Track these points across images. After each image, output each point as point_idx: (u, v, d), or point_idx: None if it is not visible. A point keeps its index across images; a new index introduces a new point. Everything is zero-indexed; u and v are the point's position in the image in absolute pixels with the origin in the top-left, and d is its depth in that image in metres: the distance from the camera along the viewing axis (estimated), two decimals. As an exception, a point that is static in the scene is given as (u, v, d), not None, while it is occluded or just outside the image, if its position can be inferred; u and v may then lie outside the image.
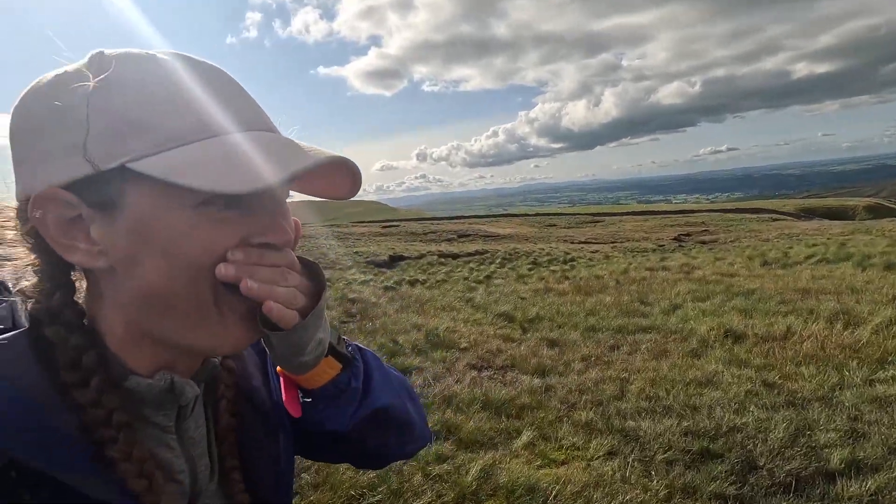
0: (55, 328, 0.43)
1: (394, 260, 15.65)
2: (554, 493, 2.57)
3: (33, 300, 0.45)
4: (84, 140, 0.40)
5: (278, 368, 0.62)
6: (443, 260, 15.45)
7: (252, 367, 0.62)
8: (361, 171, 0.47)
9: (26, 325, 0.45)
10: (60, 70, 0.43)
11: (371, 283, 10.46)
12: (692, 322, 5.50)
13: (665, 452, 2.89)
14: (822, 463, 2.67)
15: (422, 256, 16.33)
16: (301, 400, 0.61)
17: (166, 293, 0.42)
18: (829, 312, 5.23)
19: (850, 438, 2.88)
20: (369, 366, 0.66)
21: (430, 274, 12.13)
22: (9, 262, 0.46)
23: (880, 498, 2.39)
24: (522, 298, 7.85)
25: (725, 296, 6.71)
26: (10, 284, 0.48)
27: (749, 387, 3.67)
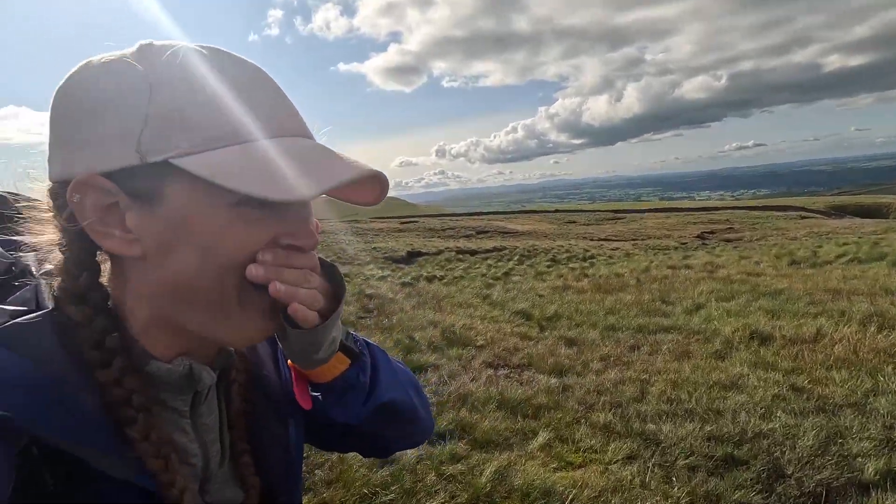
0: (81, 308, 0.44)
1: (412, 256, 15.67)
2: (570, 497, 2.50)
3: (59, 281, 0.46)
4: (140, 131, 0.41)
5: (289, 362, 0.63)
6: (461, 256, 15.41)
7: (263, 356, 0.64)
8: (381, 168, 0.47)
9: (50, 307, 0.46)
10: (110, 56, 0.43)
11: (388, 279, 10.49)
12: (716, 322, 5.34)
13: (687, 458, 2.79)
14: (855, 473, 2.54)
15: (440, 253, 16.31)
16: (311, 393, 0.63)
17: (194, 286, 0.44)
18: (862, 314, 5.01)
19: (885, 448, 2.74)
20: (376, 360, 0.67)
21: (447, 270, 12.10)
22: (31, 247, 0.48)
23: (918, 512, 2.26)
24: (540, 296, 7.75)
25: (751, 296, 6.51)
26: (33, 269, 0.50)
27: (776, 391, 3.53)
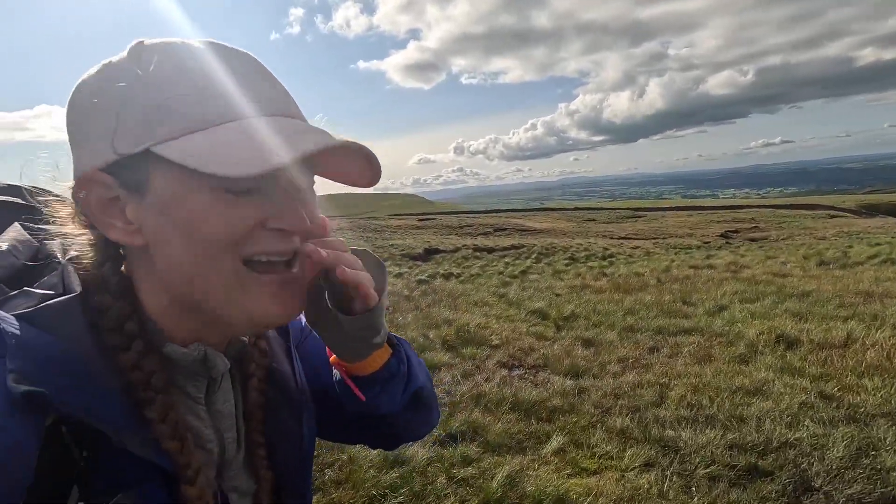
0: (102, 295, 0.47)
1: (429, 253, 15.66)
2: (584, 505, 2.43)
3: (84, 269, 0.49)
4: (115, 128, 0.44)
5: (332, 358, 0.65)
6: (478, 254, 15.33)
7: (277, 350, 0.65)
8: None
9: (77, 290, 0.47)
10: (106, 61, 0.47)
11: (405, 276, 10.48)
12: (740, 325, 5.16)
13: (707, 467, 2.68)
14: (889, 488, 2.40)
15: (457, 250, 16.25)
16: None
17: (192, 271, 0.45)
18: (897, 318, 4.80)
19: (922, 461, 2.59)
20: (406, 348, 0.69)
21: (464, 268, 12.04)
22: (55, 235, 0.51)
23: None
24: (557, 295, 7.64)
25: (777, 297, 6.30)
26: (59, 255, 0.52)
27: (803, 398, 3.38)
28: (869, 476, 2.49)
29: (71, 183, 0.48)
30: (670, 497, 2.48)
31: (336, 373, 0.65)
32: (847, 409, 3.21)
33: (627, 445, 2.99)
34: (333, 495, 2.58)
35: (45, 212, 0.51)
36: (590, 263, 11.89)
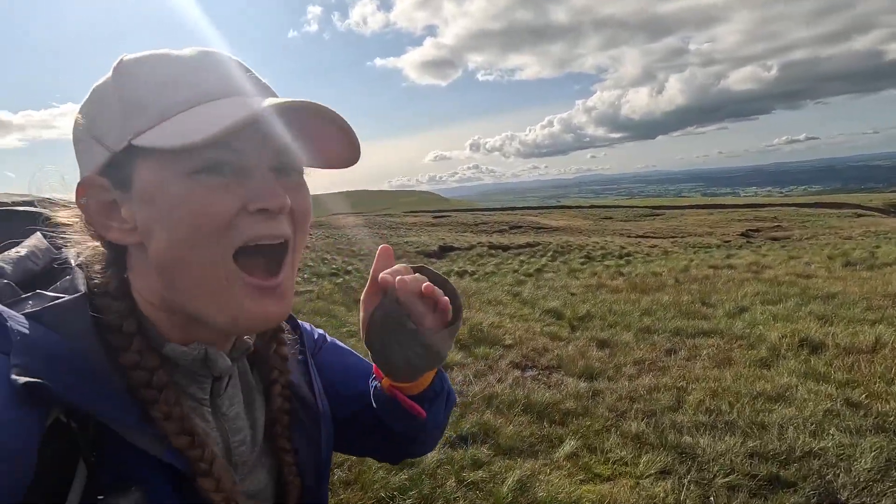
0: (104, 296, 0.48)
1: (444, 250, 15.63)
2: (597, 513, 2.36)
3: (92, 273, 0.50)
4: (105, 130, 0.47)
5: (385, 381, 0.66)
6: (493, 251, 15.25)
7: (293, 360, 0.65)
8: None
9: (83, 290, 0.49)
10: (102, 78, 0.50)
11: (419, 274, 10.45)
12: (761, 327, 5.01)
13: (727, 476, 2.59)
14: (920, 503, 2.29)
15: (472, 247, 16.19)
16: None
17: (175, 261, 0.45)
18: (928, 323, 4.60)
19: (956, 475, 2.46)
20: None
21: (479, 265, 11.99)
22: (73, 244, 0.53)
23: None
24: (573, 294, 7.54)
25: (801, 299, 6.09)
26: (71, 260, 0.53)
27: (829, 405, 3.25)
28: (899, 489, 2.38)
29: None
30: (687, 507, 2.39)
31: (378, 392, 0.68)
32: (875, 417, 3.07)
33: (643, 451, 2.90)
34: (342, 496, 2.55)
35: (58, 220, 0.53)
36: (606, 262, 11.73)
